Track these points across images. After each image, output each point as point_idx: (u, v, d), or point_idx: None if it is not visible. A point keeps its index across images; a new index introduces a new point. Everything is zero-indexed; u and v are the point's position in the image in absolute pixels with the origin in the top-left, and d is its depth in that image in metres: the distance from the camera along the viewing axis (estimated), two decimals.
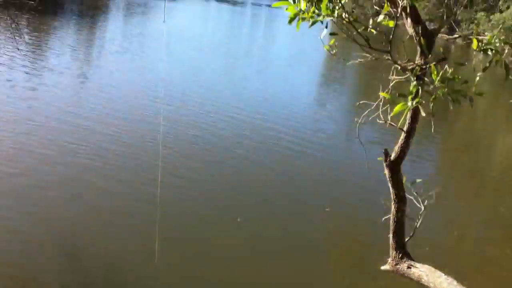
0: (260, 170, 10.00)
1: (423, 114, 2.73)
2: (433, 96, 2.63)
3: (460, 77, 2.58)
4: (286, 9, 2.61)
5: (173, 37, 23.18)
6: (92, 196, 8.29)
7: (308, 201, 9.00)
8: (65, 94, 12.24)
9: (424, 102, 2.64)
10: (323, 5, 2.60)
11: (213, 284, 7.05)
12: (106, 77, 14.32)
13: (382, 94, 2.83)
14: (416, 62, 3.27)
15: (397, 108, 2.60)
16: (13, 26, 7.97)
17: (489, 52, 2.85)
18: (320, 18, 2.67)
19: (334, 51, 3.28)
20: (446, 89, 2.61)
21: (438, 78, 2.58)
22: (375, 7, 3.65)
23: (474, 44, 2.89)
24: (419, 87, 2.63)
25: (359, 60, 3.32)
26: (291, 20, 2.71)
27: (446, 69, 2.64)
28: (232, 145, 11.02)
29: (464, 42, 47.16)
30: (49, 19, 22.15)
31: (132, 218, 7.91)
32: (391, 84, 2.95)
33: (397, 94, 2.68)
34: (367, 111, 3.10)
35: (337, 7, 2.65)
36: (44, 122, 10.59)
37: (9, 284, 6.24)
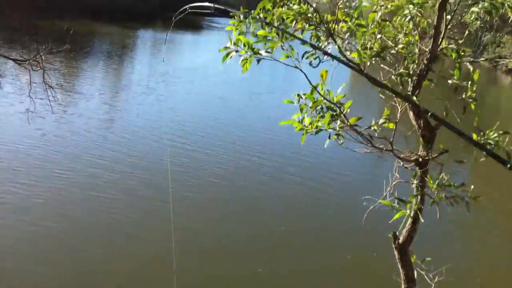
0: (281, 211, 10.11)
1: (421, 220, 2.94)
2: (432, 200, 2.86)
3: (455, 183, 2.81)
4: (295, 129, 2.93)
5: (199, 73, 23.89)
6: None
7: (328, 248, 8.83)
8: (93, 139, 12.84)
9: (422, 207, 2.88)
10: (325, 121, 2.90)
11: None
12: (131, 120, 14.93)
13: (381, 201, 3.07)
14: (419, 153, 3.52)
15: (397, 216, 2.85)
16: (44, 77, 8.38)
17: None
18: (324, 129, 2.97)
19: (341, 141, 3.55)
20: (443, 194, 2.83)
21: (435, 185, 2.80)
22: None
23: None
24: (418, 194, 2.85)
25: (365, 150, 3.57)
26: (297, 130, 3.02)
27: (442, 176, 2.87)
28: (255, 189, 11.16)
29: (491, 65, 47.73)
30: (79, 60, 23.20)
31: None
32: (393, 183, 3.17)
33: (396, 201, 2.91)
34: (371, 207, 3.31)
35: (338, 120, 2.94)
36: (71, 167, 11.14)
37: None
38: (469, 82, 3.25)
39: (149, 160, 11.84)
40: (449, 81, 3.82)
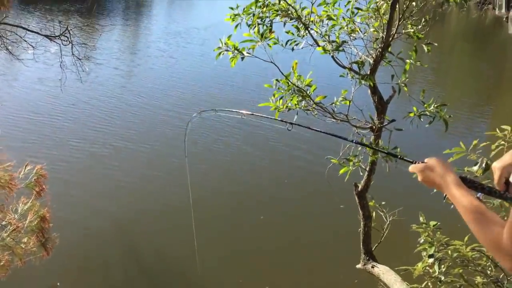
0: None
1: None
2: (370, 158, 3.91)
3: (387, 147, 3.83)
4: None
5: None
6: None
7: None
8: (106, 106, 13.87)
9: (363, 166, 3.94)
10: (293, 101, 3.92)
11: None
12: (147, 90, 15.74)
13: (332, 161, 4.12)
14: (375, 121, 4.52)
15: (342, 171, 3.92)
16: (73, 50, 9.30)
17: None
18: (293, 108, 3.99)
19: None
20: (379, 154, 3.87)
21: (371, 150, 3.84)
22: None
23: None
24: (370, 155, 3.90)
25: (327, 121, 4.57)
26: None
27: (378, 142, 3.90)
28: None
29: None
30: (99, 21, 23.96)
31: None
32: (346, 146, 4.20)
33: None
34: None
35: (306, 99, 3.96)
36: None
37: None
38: (404, 71, 4.18)
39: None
40: (407, 60, 4.76)
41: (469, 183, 1.50)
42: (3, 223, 3.26)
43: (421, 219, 3.53)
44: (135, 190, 9.71)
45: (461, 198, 1.38)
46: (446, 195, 1.50)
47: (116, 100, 14.26)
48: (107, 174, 10.16)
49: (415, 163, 1.63)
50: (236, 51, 3.91)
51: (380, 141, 4.42)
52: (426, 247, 3.31)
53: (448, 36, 30.37)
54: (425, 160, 1.59)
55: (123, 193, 9.56)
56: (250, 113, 2.56)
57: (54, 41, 8.99)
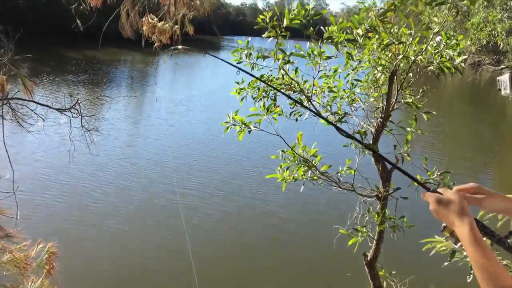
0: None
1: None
2: (378, 228, 3.92)
3: (394, 217, 3.86)
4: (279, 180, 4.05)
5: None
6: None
7: None
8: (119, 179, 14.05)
9: (371, 235, 3.94)
10: (300, 172, 4.00)
11: None
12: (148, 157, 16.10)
13: (341, 231, 4.14)
14: (380, 189, 4.58)
15: (350, 242, 3.91)
16: (82, 122, 9.50)
17: None
18: (299, 178, 4.07)
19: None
20: (387, 224, 3.89)
21: (379, 219, 3.86)
22: None
23: None
24: (377, 223, 3.91)
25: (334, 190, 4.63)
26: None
27: (384, 212, 3.93)
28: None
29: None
30: (106, 92, 24.73)
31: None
32: (354, 216, 4.23)
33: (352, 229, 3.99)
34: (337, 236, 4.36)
35: (309, 172, 4.04)
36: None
37: None
38: (406, 141, 4.30)
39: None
40: (408, 129, 4.91)
41: (482, 228, 1.48)
42: None
43: None
44: (145, 271, 9.56)
45: (478, 253, 1.35)
46: (445, 225, 1.49)
47: (116, 173, 14.43)
48: (114, 249, 10.07)
49: (431, 191, 1.55)
50: (243, 125, 4.06)
51: (387, 210, 4.45)
52: None
53: (445, 99, 31.14)
54: (439, 190, 1.53)
55: (130, 271, 9.42)
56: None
57: (65, 114, 9.28)
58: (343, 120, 4.41)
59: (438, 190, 1.54)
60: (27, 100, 10.09)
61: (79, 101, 9.25)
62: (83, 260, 9.34)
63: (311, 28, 4.03)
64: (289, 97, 4.62)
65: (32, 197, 11.87)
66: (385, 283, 4.85)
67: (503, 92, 1.60)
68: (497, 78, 1.54)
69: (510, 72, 1.52)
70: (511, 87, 1.50)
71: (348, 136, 4.95)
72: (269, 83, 4.62)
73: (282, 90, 4.73)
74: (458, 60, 4.41)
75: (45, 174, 13.60)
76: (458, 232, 1.42)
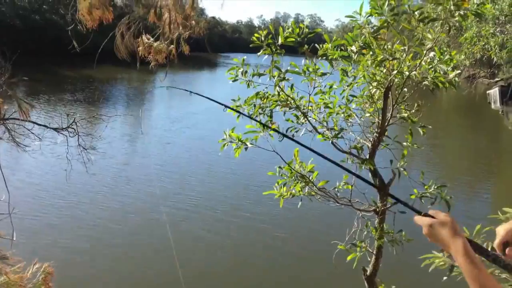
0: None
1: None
2: (377, 242, 3.91)
3: (392, 231, 3.85)
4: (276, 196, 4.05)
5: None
6: None
7: None
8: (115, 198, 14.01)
9: (370, 250, 3.92)
10: (297, 188, 4.00)
11: None
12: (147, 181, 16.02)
13: (339, 247, 4.12)
14: (377, 203, 4.58)
15: (349, 257, 3.90)
16: (79, 141, 9.49)
17: None
18: (297, 194, 4.07)
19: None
20: (385, 238, 3.88)
21: (377, 233, 3.85)
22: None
23: None
24: (375, 238, 3.90)
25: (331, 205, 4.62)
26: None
27: (382, 226, 3.92)
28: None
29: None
30: (102, 111, 24.75)
31: None
32: (352, 231, 4.22)
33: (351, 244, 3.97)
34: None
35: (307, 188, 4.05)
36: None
37: None
38: (402, 155, 4.32)
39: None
40: (404, 143, 4.93)
41: (476, 248, 1.50)
42: None
43: None
44: None
45: (472, 271, 1.38)
46: (443, 249, 1.51)
47: (112, 192, 14.38)
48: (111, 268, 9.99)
49: (422, 214, 1.58)
50: (239, 142, 4.07)
51: (385, 224, 4.44)
52: None
53: (441, 113, 31.34)
54: (430, 212, 1.56)
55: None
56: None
57: (61, 133, 9.26)
58: (339, 135, 4.42)
59: (429, 212, 1.56)
60: (24, 120, 10.11)
61: (75, 120, 9.28)
62: (79, 281, 9.26)
63: (306, 46, 4.08)
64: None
65: (28, 217, 11.79)
66: None
67: (493, 106, 1.64)
68: (487, 92, 1.57)
69: (499, 86, 1.56)
70: (501, 101, 1.53)
71: (343, 151, 5.00)
72: (265, 100, 4.66)
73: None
74: (452, 74, 4.46)
75: (41, 194, 13.55)
76: (453, 252, 1.45)
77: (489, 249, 1.57)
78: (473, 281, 1.36)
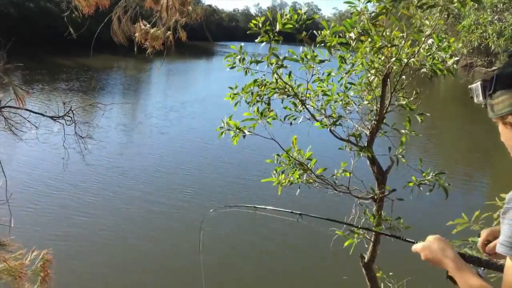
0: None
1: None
2: (375, 229, 3.92)
3: (390, 218, 3.87)
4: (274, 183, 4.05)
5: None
6: None
7: None
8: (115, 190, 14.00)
9: (368, 237, 3.94)
10: (295, 175, 4.00)
11: None
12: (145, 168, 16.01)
13: (337, 233, 4.14)
14: (376, 191, 4.58)
15: (346, 243, 3.91)
16: (76, 130, 9.44)
17: None
18: (295, 182, 4.07)
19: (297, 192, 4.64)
20: (383, 225, 3.89)
21: (374, 220, 3.87)
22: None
23: None
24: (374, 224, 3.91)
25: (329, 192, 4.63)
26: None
27: (381, 213, 3.93)
28: None
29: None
30: (99, 99, 24.62)
31: None
32: (350, 218, 4.23)
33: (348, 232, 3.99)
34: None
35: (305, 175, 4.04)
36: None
37: None
38: (400, 142, 4.32)
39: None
40: (402, 131, 4.93)
41: (468, 258, 1.60)
42: None
43: None
44: (140, 278, 9.48)
45: (461, 277, 1.47)
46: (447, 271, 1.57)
47: (109, 180, 14.36)
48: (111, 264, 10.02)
49: (416, 243, 1.70)
50: (237, 130, 4.06)
51: (383, 212, 4.45)
52: None
53: (438, 101, 31.34)
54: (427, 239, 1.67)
55: (125, 277, 9.36)
56: (263, 207, 2.65)
57: (58, 121, 9.21)
58: (337, 123, 4.41)
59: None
60: (20, 108, 10.04)
61: (72, 109, 9.23)
62: (78, 268, 9.27)
63: (304, 33, 4.04)
64: None
65: (25, 204, 11.79)
66: (382, 284, 4.85)
67: (475, 100, 1.64)
68: (469, 86, 1.57)
69: (481, 80, 1.55)
70: (483, 95, 1.53)
71: (342, 138, 4.99)
72: (262, 87, 4.64)
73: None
74: (450, 62, 4.44)
75: (39, 181, 13.53)
76: (447, 268, 1.54)
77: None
78: (467, 286, 1.44)
